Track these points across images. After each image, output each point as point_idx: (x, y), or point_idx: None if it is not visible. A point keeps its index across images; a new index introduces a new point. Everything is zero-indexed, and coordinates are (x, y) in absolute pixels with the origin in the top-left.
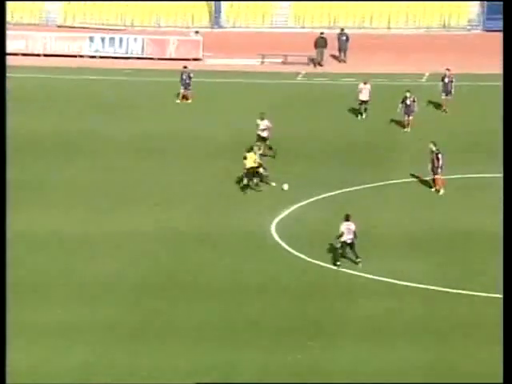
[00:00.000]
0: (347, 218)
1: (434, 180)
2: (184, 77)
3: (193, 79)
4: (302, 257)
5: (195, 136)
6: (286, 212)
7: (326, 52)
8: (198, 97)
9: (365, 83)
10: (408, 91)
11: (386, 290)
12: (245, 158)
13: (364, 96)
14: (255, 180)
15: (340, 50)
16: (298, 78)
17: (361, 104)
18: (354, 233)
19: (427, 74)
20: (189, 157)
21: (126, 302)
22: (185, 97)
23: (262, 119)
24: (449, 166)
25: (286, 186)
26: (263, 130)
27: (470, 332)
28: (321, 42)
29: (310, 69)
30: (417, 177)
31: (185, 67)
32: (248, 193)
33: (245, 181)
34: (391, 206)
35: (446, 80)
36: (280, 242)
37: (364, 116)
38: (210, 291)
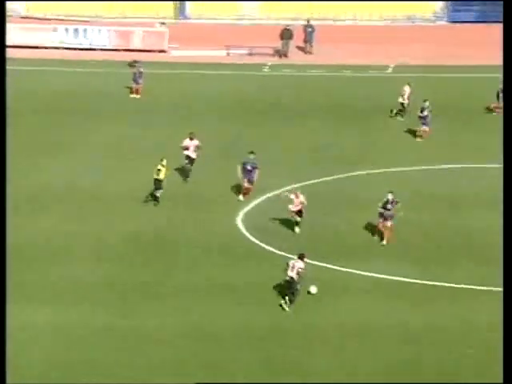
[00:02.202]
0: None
1: None
2: (135, 71)
3: (157, 71)
4: (269, 249)
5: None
6: (253, 204)
7: (292, 44)
8: (159, 89)
9: None
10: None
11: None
12: (159, 170)
13: None
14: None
15: (306, 42)
16: (264, 70)
17: None
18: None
19: (392, 66)
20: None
21: None
22: (136, 91)
23: (192, 139)
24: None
25: (313, 290)
26: (193, 150)
27: None
28: (286, 34)
29: (276, 60)
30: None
31: (135, 61)
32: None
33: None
34: (352, 197)
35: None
36: (246, 233)
37: None
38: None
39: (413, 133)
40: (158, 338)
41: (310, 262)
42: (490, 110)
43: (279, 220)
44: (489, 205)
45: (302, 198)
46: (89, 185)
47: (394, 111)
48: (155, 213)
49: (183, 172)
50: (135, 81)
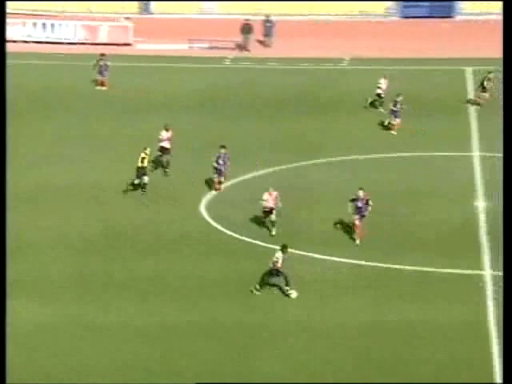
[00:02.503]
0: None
1: None
2: (101, 63)
3: (123, 64)
4: (234, 235)
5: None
6: (216, 192)
7: (252, 38)
8: (125, 81)
9: None
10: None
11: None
12: (143, 158)
13: None
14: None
15: (266, 36)
16: (225, 63)
17: None
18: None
19: (348, 59)
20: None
21: None
22: (102, 83)
23: (167, 130)
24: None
25: (294, 295)
26: (166, 140)
27: None
28: (246, 28)
29: (237, 53)
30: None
31: (102, 55)
32: (178, 176)
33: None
34: (314, 184)
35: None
36: (210, 220)
37: None
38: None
39: (374, 121)
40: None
41: (271, 246)
42: (473, 102)
43: (242, 207)
44: (456, 194)
45: (275, 193)
46: (65, 179)
47: (369, 100)
48: (124, 203)
49: (159, 163)
50: (101, 73)
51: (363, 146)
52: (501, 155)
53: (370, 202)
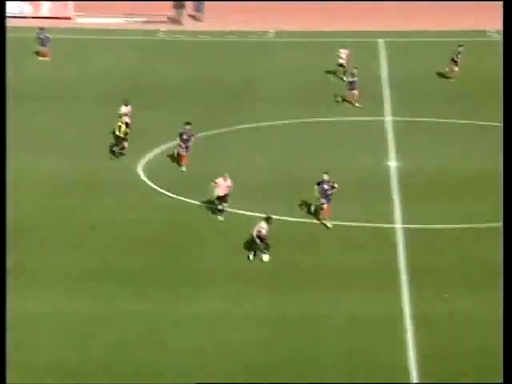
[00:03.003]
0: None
1: None
2: (42, 36)
3: (63, 36)
4: (169, 194)
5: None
6: (152, 154)
7: (184, 12)
8: (66, 52)
9: None
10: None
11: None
12: (119, 126)
13: None
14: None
15: (197, 11)
16: (159, 35)
17: None
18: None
19: (273, 31)
20: (60, 105)
21: None
22: (44, 54)
23: (126, 105)
24: None
25: (265, 258)
26: (125, 115)
27: None
28: (179, 3)
29: (170, 27)
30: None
31: (41, 28)
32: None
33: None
34: (244, 149)
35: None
36: (147, 181)
37: None
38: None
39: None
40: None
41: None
42: (445, 75)
43: (175, 168)
44: (370, 155)
45: (229, 181)
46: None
47: (332, 74)
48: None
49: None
50: (43, 45)
51: (274, 112)
52: (412, 119)
53: (336, 185)
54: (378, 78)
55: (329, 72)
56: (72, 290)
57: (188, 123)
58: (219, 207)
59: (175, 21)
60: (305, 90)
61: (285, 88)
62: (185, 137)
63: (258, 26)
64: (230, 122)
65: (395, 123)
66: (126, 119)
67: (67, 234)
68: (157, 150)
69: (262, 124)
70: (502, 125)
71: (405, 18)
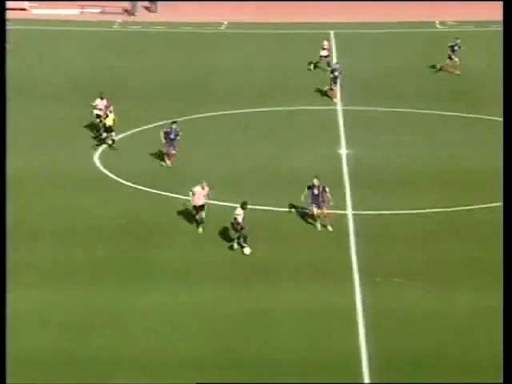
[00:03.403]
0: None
1: None
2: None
3: (19, 27)
4: (128, 184)
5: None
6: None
7: (139, 4)
8: (22, 43)
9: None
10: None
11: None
12: (106, 115)
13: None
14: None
15: (151, 2)
16: (114, 27)
17: None
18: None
19: (226, 23)
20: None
21: None
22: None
23: (102, 98)
24: None
25: (247, 251)
26: (100, 109)
27: None
28: None
29: (125, 18)
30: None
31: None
32: (75, 131)
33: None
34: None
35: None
36: (105, 171)
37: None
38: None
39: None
40: None
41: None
42: (439, 69)
43: (134, 157)
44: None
45: (207, 190)
46: None
47: (312, 64)
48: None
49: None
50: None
51: (230, 102)
52: (361, 108)
53: (327, 189)
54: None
55: (310, 63)
56: (33, 280)
57: (174, 122)
58: (197, 217)
59: (130, 12)
60: (258, 80)
61: (239, 78)
62: (172, 136)
63: (211, 18)
64: (187, 112)
65: (346, 112)
66: (97, 111)
67: (27, 227)
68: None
69: (219, 113)
70: (460, 114)
71: (355, 9)
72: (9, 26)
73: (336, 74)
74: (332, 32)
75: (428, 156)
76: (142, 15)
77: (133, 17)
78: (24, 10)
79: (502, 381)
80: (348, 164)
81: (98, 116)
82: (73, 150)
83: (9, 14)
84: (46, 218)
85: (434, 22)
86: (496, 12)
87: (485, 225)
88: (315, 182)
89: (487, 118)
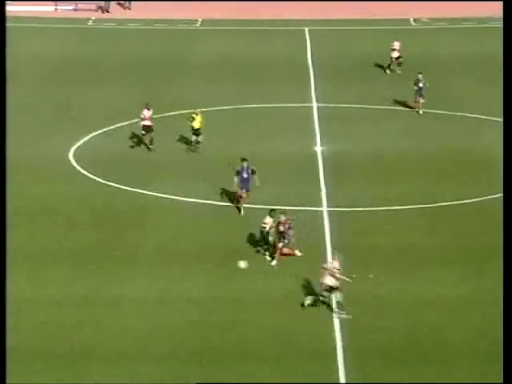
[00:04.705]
0: None
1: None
2: None
3: None
4: (98, 180)
5: None
6: (82, 141)
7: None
8: None
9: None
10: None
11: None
12: (193, 118)
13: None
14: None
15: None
16: (89, 23)
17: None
18: None
19: (200, 20)
20: None
21: None
22: None
23: (148, 109)
24: None
25: (242, 264)
26: (148, 119)
27: None
28: None
29: (99, 15)
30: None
31: None
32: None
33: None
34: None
35: None
36: (77, 167)
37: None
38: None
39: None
40: None
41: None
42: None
43: (108, 154)
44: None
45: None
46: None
47: (387, 66)
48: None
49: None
50: None
51: (207, 98)
52: (336, 105)
53: (292, 225)
54: (305, 66)
55: (380, 65)
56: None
57: (245, 159)
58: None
59: (104, 9)
60: (234, 77)
61: (215, 74)
62: (245, 175)
63: (185, 15)
64: (163, 108)
65: (321, 109)
66: (146, 122)
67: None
68: (88, 136)
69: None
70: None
71: (328, 6)
72: None
73: (420, 85)
74: (306, 29)
75: (400, 150)
76: (116, 12)
77: (107, 14)
78: None
79: (502, 381)
80: (322, 160)
81: (146, 127)
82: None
83: None
84: (20, 212)
85: (408, 20)
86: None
87: (465, 216)
88: (282, 218)
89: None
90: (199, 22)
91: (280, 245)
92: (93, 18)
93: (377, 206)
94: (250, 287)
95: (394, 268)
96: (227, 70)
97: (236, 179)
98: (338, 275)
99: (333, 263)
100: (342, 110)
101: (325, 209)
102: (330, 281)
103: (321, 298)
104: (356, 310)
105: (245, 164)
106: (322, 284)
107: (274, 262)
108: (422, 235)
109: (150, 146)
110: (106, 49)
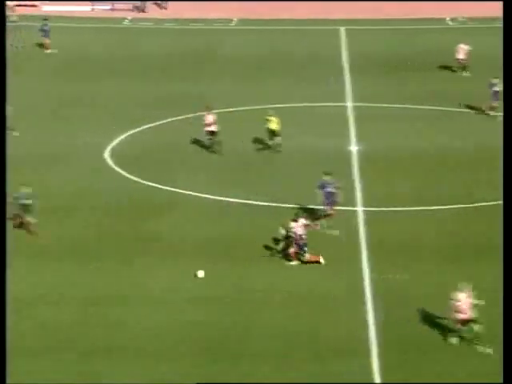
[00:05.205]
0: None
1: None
2: (46, 28)
3: (32, 24)
4: (133, 178)
5: None
6: (118, 139)
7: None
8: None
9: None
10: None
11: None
12: (269, 120)
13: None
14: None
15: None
16: (125, 23)
17: None
18: None
19: (235, 19)
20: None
21: None
22: (48, 46)
23: (210, 113)
24: None
25: (200, 274)
26: (213, 124)
27: None
28: None
29: (135, 15)
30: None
31: (45, 19)
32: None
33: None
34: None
35: None
36: (112, 165)
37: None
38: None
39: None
40: None
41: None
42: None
43: (144, 153)
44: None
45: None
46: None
47: (464, 71)
48: None
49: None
50: (47, 36)
51: (243, 98)
52: (371, 104)
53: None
54: (341, 65)
55: (446, 67)
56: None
57: (328, 173)
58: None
59: (140, 9)
60: (270, 76)
61: (252, 73)
62: (328, 190)
63: (220, 14)
64: (199, 107)
65: (356, 108)
66: (212, 128)
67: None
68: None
69: (234, 109)
70: (463, 110)
71: (364, 6)
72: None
73: (496, 89)
74: (342, 28)
75: (439, 149)
76: (152, 12)
77: (143, 13)
78: (34, 6)
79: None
80: (357, 160)
81: (212, 133)
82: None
83: (19, 10)
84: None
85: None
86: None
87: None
88: (292, 224)
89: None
90: (234, 22)
91: (293, 249)
92: (129, 17)
93: (412, 206)
94: (275, 286)
95: (432, 266)
96: (264, 70)
97: (320, 193)
98: None
99: None
100: (377, 109)
101: (359, 208)
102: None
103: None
104: (393, 308)
105: (328, 178)
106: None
107: (293, 263)
108: (458, 235)
109: (215, 149)
110: (142, 48)
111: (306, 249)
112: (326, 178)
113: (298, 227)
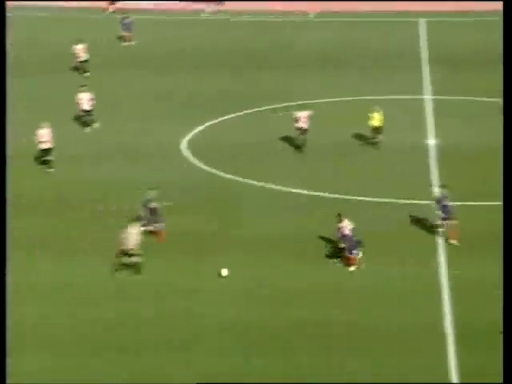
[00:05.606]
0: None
1: None
2: (126, 21)
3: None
4: (213, 171)
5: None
6: (196, 130)
7: None
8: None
9: None
10: None
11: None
12: (372, 117)
13: None
14: None
15: None
16: (203, 15)
17: None
18: None
19: (313, 12)
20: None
21: None
22: (129, 39)
23: (304, 111)
24: None
25: (224, 272)
26: (303, 121)
27: None
28: None
29: (214, 7)
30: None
31: (125, 13)
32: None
33: None
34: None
35: None
36: (190, 156)
37: None
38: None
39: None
40: None
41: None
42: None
43: (218, 146)
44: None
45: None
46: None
47: None
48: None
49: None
50: (128, 30)
51: (320, 92)
52: (450, 97)
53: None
54: (419, 58)
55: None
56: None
57: (443, 186)
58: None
59: (218, 1)
60: (347, 68)
61: (329, 65)
62: (444, 203)
63: (298, 7)
64: (272, 100)
65: (434, 101)
66: (301, 124)
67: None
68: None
69: (310, 102)
70: None
71: None
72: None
73: None
74: (422, 20)
75: None
76: (230, 4)
77: (220, 5)
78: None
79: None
80: (435, 153)
81: (301, 129)
82: None
83: (94, 5)
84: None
85: None
86: None
87: None
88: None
89: None
90: (312, 14)
91: (343, 246)
92: (208, 10)
93: (487, 201)
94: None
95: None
96: (341, 62)
97: (436, 208)
98: None
99: None
100: (456, 102)
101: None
102: None
103: None
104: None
105: (443, 191)
106: None
107: (352, 268)
108: None
109: (300, 143)
110: (218, 40)
111: (354, 251)
112: (443, 192)
113: (344, 227)
